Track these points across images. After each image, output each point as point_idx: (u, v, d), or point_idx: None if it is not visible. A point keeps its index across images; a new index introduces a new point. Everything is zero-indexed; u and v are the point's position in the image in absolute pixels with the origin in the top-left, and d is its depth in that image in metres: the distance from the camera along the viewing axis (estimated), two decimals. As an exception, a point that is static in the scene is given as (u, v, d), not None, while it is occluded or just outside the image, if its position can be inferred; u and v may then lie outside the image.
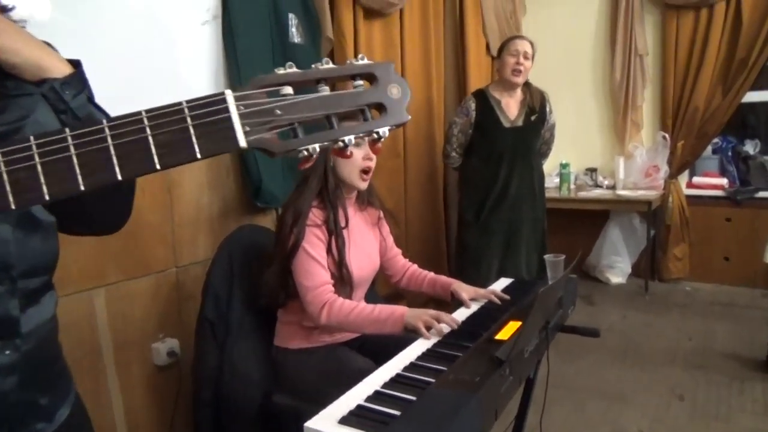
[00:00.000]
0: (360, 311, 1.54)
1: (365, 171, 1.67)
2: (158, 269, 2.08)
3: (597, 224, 4.45)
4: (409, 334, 1.49)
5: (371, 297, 1.85)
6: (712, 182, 4.32)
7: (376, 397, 1.15)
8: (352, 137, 0.62)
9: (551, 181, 4.34)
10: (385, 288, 2.74)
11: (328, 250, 1.63)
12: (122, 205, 0.90)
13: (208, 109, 0.55)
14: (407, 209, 3.51)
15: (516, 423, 1.80)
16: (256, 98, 0.57)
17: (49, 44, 0.79)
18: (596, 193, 4.27)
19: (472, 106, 3.00)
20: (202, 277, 1.85)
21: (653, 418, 2.40)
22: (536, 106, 3.02)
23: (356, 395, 1.15)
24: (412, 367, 1.30)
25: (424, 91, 3.62)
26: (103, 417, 1.90)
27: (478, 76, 3.94)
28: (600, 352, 3.02)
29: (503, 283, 1.99)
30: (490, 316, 1.61)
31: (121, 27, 1.91)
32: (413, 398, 1.11)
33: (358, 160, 1.64)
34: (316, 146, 0.60)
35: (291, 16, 2.54)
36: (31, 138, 0.50)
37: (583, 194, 4.22)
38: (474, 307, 1.72)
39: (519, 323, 1.44)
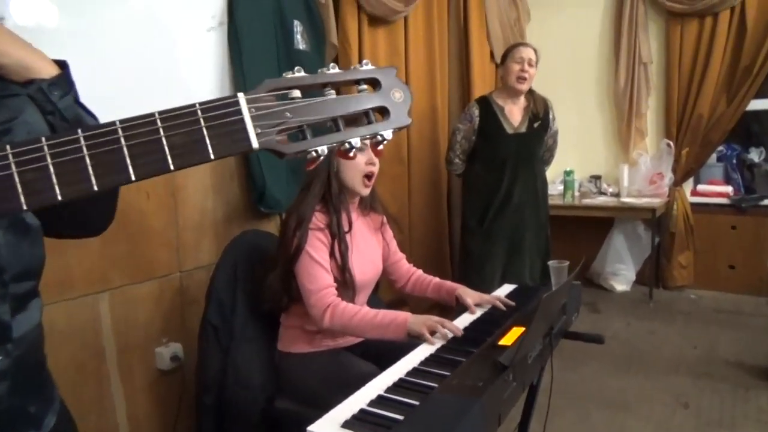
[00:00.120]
0: (363, 315, 1.55)
1: (368, 176, 1.67)
2: (162, 274, 2.09)
3: (601, 231, 4.44)
4: (412, 340, 1.49)
5: (374, 302, 1.85)
6: (716, 190, 4.31)
7: (380, 401, 1.15)
8: (357, 139, 0.63)
9: (555, 188, 4.34)
10: (389, 294, 2.74)
11: (331, 254, 1.63)
12: (110, 208, 0.90)
13: (222, 111, 0.57)
14: (411, 215, 3.51)
15: (519, 430, 1.80)
16: (267, 101, 0.59)
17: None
18: (600, 200, 4.26)
19: (476, 112, 3.01)
20: (206, 281, 1.86)
21: (658, 427, 2.39)
22: (540, 113, 3.03)
23: (359, 399, 1.15)
24: (415, 371, 1.30)
25: (428, 98, 3.63)
26: (106, 420, 1.90)
27: (482, 84, 3.95)
28: (604, 360, 3.01)
29: (507, 288, 1.98)
30: (494, 321, 1.61)
31: (128, 34, 1.92)
32: (416, 403, 1.11)
33: (360, 165, 1.65)
34: (324, 147, 0.62)
35: (296, 22, 2.55)
36: (43, 139, 0.50)
37: (587, 201, 4.22)
38: (478, 312, 1.72)
39: (523, 329, 1.44)
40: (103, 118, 0.61)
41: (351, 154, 0.65)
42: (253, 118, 0.57)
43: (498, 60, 3.88)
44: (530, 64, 2.93)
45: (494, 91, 3.15)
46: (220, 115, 0.56)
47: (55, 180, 0.50)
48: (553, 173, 4.12)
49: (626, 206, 4.07)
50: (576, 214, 4.20)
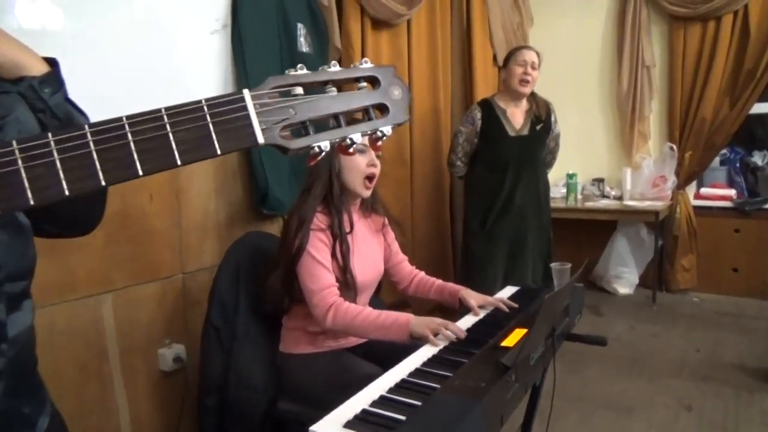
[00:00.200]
0: (366, 316, 1.55)
1: (369, 178, 1.68)
2: (165, 275, 2.09)
3: (604, 235, 4.43)
4: (414, 341, 1.49)
5: (376, 304, 1.85)
6: (720, 193, 4.30)
7: (382, 402, 1.15)
8: (358, 135, 0.65)
9: (558, 191, 4.34)
10: (391, 296, 2.75)
11: (332, 255, 1.63)
12: (100, 207, 0.90)
13: (228, 107, 0.57)
14: (413, 217, 3.51)
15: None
16: (271, 97, 0.59)
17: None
18: (603, 203, 4.26)
19: (478, 115, 3.01)
20: (209, 283, 1.86)
21: (660, 430, 2.38)
22: (542, 116, 3.04)
23: (362, 400, 1.15)
24: (417, 372, 1.29)
25: (431, 100, 3.64)
26: (108, 421, 1.91)
27: (484, 87, 3.95)
28: (607, 363, 3.00)
29: (510, 290, 1.98)
30: (496, 323, 1.61)
31: (131, 37, 1.93)
32: (419, 403, 1.11)
33: (362, 167, 1.65)
34: (327, 143, 0.63)
35: (299, 25, 2.56)
36: (49, 134, 0.50)
37: (590, 204, 4.21)
38: (481, 314, 1.72)
39: (525, 330, 1.44)
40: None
41: (351, 150, 0.67)
42: (259, 114, 0.58)
43: (501, 63, 3.89)
44: (533, 67, 2.93)
45: (496, 93, 3.15)
46: (226, 111, 0.57)
47: (62, 175, 0.50)
48: (556, 176, 4.12)
49: (629, 209, 4.07)
50: (579, 217, 4.20)
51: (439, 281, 1.91)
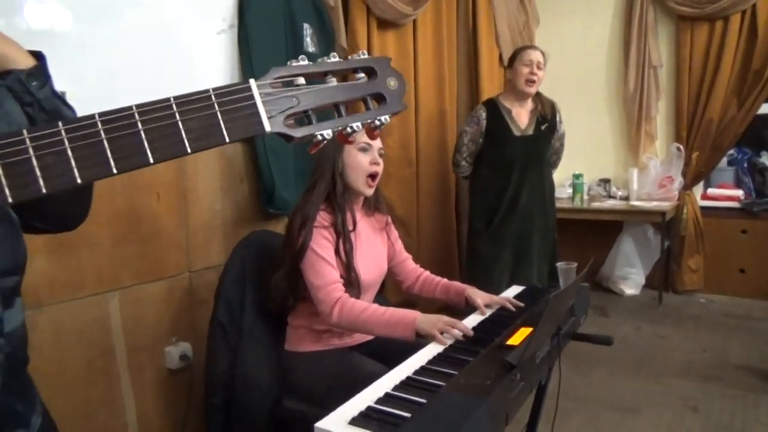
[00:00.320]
0: (372, 312, 1.55)
1: (372, 176, 1.68)
2: (172, 273, 2.10)
3: (610, 235, 4.42)
4: (420, 340, 1.49)
5: (380, 303, 1.84)
6: (727, 194, 4.29)
7: (387, 399, 1.15)
8: (359, 123, 0.66)
9: (564, 191, 4.33)
10: (397, 295, 2.75)
11: (336, 253, 1.63)
12: (87, 202, 0.90)
13: (235, 96, 0.58)
14: (419, 217, 3.51)
15: (527, 431, 1.79)
16: (275, 87, 0.61)
17: None
18: (610, 203, 4.25)
19: (483, 115, 3.01)
20: (215, 281, 1.87)
21: (667, 431, 2.37)
22: (547, 115, 3.03)
23: (367, 397, 1.15)
24: (422, 370, 1.30)
25: (437, 100, 3.64)
26: (116, 419, 1.92)
27: (490, 87, 3.95)
28: (613, 364, 2.99)
29: (515, 290, 1.98)
30: (502, 322, 1.61)
31: (137, 36, 1.94)
32: (424, 401, 1.12)
33: (364, 165, 1.66)
34: (329, 131, 0.64)
35: (306, 26, 2.57)
36: (60, 123, 0.51)
37: (596, 205, 4.20)
38: (487, 312, 1.72)
39: (530, 329, 1.44)
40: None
41: (351, 138, 0.69)
42: (265, 103, 0.59)
43: (506, 63, 3.89)
44: (539, 67, 2.92)
45: (501, 93, 3.15)
46: (233, 99, 0.58)
47: (74, 164, 0.50)
48: (562, 176, 4.12)
49: (636, 210, 4.06)
50: (585, 217, 4.19)
51: (444, 280, 1.91)
